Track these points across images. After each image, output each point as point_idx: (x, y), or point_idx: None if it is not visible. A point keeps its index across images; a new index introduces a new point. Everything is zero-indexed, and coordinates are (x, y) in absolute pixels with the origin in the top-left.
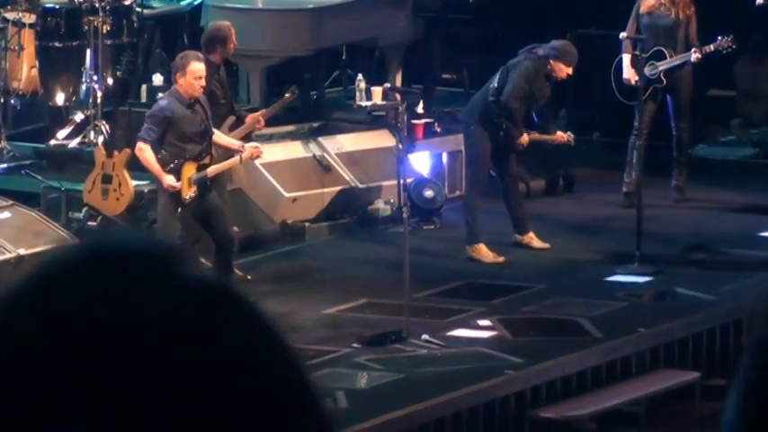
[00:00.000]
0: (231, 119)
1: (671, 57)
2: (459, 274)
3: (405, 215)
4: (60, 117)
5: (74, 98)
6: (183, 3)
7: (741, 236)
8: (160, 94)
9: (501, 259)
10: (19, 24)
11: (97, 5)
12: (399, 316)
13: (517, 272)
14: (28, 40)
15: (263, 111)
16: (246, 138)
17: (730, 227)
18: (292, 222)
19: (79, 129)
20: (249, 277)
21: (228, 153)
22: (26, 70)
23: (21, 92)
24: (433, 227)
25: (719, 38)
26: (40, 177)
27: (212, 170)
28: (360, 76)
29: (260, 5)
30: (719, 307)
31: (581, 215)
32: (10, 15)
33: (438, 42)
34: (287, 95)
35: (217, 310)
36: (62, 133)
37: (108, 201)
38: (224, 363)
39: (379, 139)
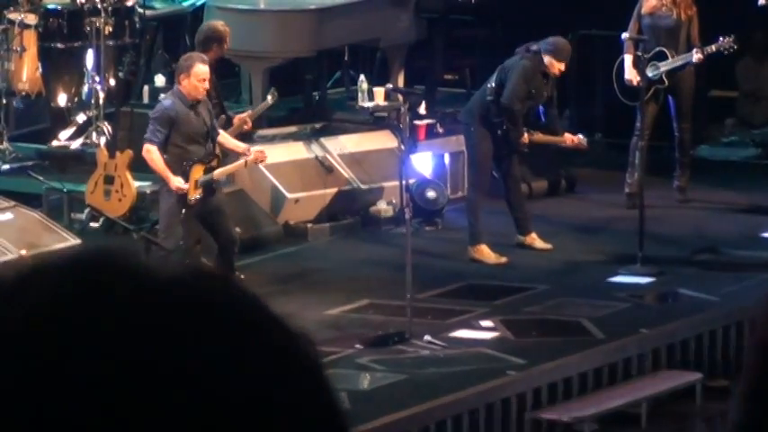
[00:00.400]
0: (222, 118)
1: (673, 57)
2: (462, 275)
3: (407, 216)
4: (62, 118)
5: (76, 99)
6: (185, 4)
7: (743, 237)
8: (162, 95)
9: (503, 260)
10: (21, 25)
11: (99, 6)
12: (402, 317)
13: (519, 273)
14: (30, 41)
15: (250, 112)
16: (238, 138)
17: (732, 228)
18: (294, 223)
19: (81, 130)
20: (242, 276)
21: (232, 155)
22: (30, 71)
23: (25, 93)
24: (435, 228)
25: (721, 38)
26: (42, 178)
27: (219, 173)
28: (362, 77)
29: (262, 6)
30: (722, 308)
31: (583, 216)
32: (12, 16)
33: (440, 43)
34: (269, 98)
35: (193, 310)
36: (64, 134)
37: (110, 202)
38: (203, 368)
39: (382, 140)
